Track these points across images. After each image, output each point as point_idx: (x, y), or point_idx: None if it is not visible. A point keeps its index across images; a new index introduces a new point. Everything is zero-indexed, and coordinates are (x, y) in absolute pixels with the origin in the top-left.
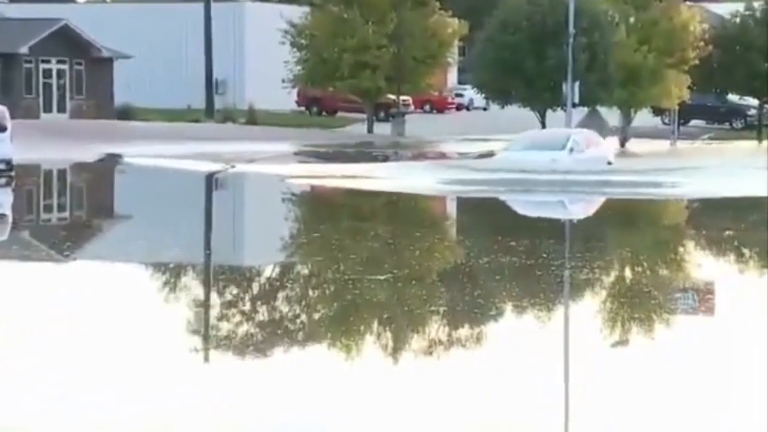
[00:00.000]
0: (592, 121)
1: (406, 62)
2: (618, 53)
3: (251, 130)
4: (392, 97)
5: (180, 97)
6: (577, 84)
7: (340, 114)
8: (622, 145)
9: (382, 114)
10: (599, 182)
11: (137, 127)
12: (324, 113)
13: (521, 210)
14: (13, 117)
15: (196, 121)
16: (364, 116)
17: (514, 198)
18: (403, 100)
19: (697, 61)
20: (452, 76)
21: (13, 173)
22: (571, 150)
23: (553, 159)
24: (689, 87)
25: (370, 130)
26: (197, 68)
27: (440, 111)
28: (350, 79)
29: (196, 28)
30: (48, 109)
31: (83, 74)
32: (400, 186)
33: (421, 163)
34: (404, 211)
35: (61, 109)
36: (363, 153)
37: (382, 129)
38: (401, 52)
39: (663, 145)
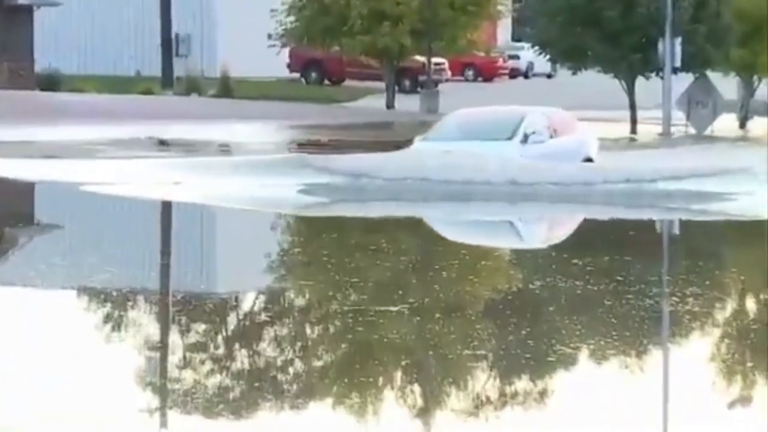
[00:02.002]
0: (700, 92)
1: (439, 11)
2: None
3: (224, 106)
4: (421, 59)
5: (127, 61)
6: (678, 41)
7: (348, 83)
8: (742, 125)
9: (407, 83)
10: (566, 196)
11: (63, 102)
12: (326, 82)
13: (389, 243)
14: None
15: (149, 92)
16: (383, 86)
17: (402, 217)
18: (436, 64)
19: None
20: (505, 31)
21: None
22: (525, 139)
23: (497, 153)
24: None
25: (390, 105)
26: (150, 22)
27: (488, 79)
28: (362, 35)
29: None
30: None
31: None
32: (244, 196)
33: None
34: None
35: None
36: (341, 142)
37: (408, 103)
38: None
39: None
